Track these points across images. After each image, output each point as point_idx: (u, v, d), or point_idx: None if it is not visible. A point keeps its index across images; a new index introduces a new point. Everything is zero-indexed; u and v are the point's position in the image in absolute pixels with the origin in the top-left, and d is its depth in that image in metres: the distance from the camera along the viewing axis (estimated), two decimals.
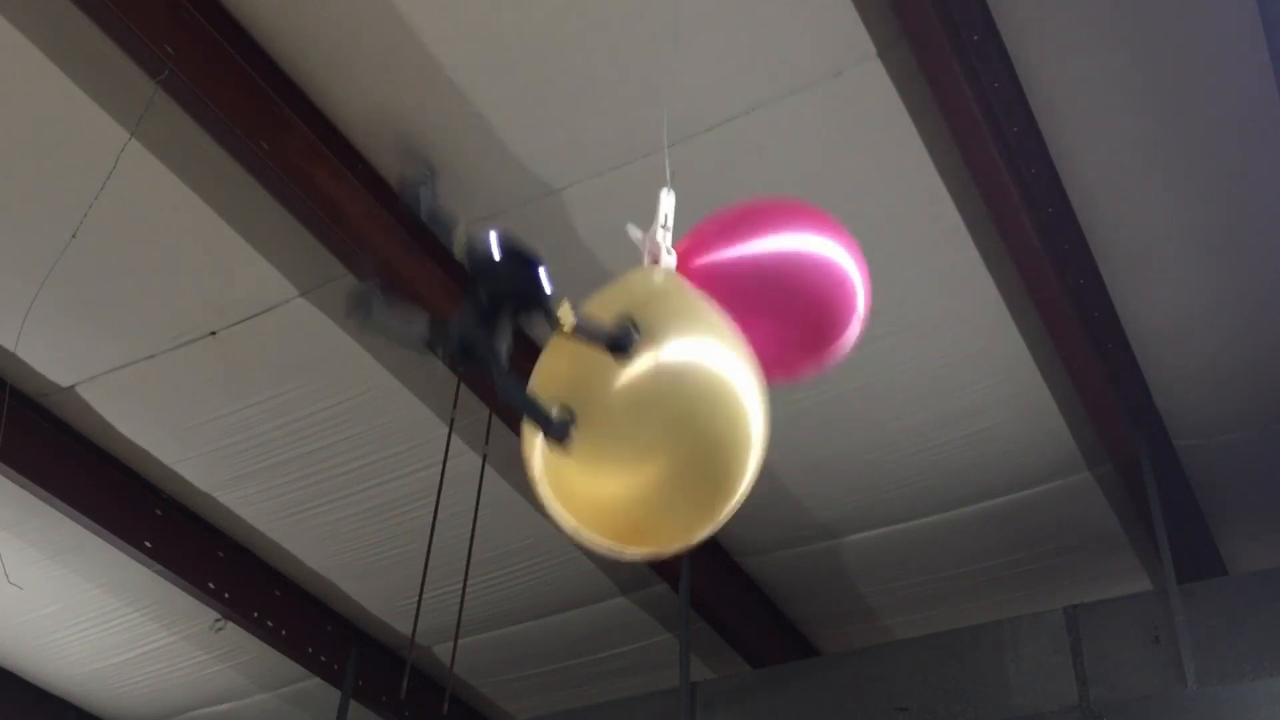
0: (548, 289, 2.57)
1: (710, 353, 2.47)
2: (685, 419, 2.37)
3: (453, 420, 5.64)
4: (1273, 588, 5.79)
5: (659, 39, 4.31)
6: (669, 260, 2.76)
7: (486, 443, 5.67)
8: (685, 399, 2.39)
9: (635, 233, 2.88)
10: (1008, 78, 4.60)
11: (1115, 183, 4.99)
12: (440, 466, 5.65)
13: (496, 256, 2.58)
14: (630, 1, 4.36)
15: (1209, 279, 5.36)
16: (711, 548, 6.70)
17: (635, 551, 2.57)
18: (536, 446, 2.43)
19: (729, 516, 2.49)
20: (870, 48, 4.45)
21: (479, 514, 5.60)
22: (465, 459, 5.77)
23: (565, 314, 2.58)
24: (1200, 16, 4.45)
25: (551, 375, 2.48)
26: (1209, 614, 5.79)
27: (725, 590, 6.87)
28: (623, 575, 6.84)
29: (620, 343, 2.57)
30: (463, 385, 5.58)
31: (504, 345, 2.60)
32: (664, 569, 6.62)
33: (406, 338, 2.74)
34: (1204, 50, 4.54)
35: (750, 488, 2.47)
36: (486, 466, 5.69)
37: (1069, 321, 5.31)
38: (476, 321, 2.63)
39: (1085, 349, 5.42)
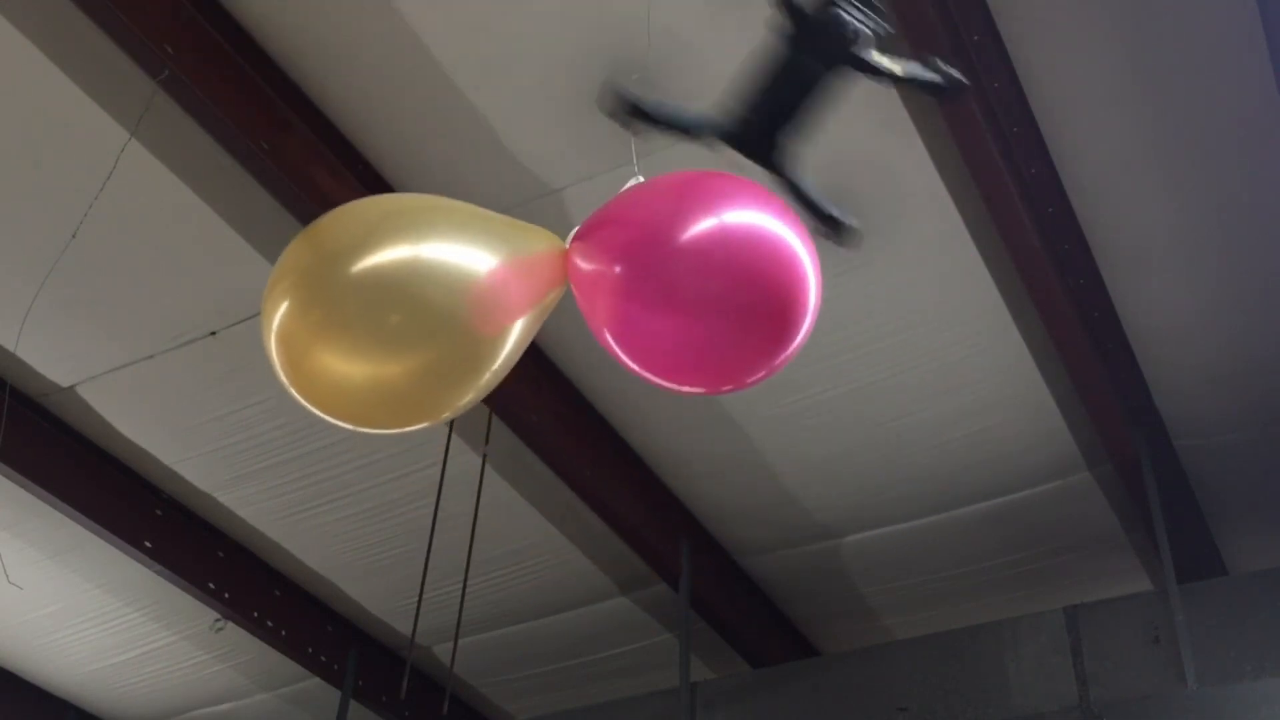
0: (877, 33, 2.60)
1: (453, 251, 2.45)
2: (427, 308, 2.37)
3: (453, 420, 5.64)
4: (1273, 588, 5.79)
5: (658, 39, 4.32)
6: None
7: (487, 442, 5.67)
8: (428, 287, 2.39)
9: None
10: (1008, 78, 4.60)
11: (1115, 183, 4.99)
12: (440, 466, 5.64)
13: (840, 19, 2.61)
14: (630, 2, 4.36)
15: (1209, 279, 5.36)
16: (711, 548, 6.71)
17: (375, 429, 2.61)
18: (273, 331, 2.43)
19: (484, 392, 2.50)
20: None
21: (479, 514, 5.60)
22: (465, 459, 5.76)
23: (886, 63, 2.61)
24: (1200, 17, 4.45)
25: (292, 266, 2.47)
26: (1209, 614, 5.79)
27: (725, 590, 6.87)
28: (623, 575, 6.84)
29: (947, 80, 2.69)
30: None
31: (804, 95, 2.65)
32: (664, 569, 6.62)
33: (686, 131, 2.89)
34: (1204, 50, 4.54)
35: (505, 368, 2.50)
36: (486, 466, 5.69)
37: (1069, 321, 5.31)
38: (770, 103, 2.73)
39: (1085, 349, 5.42)
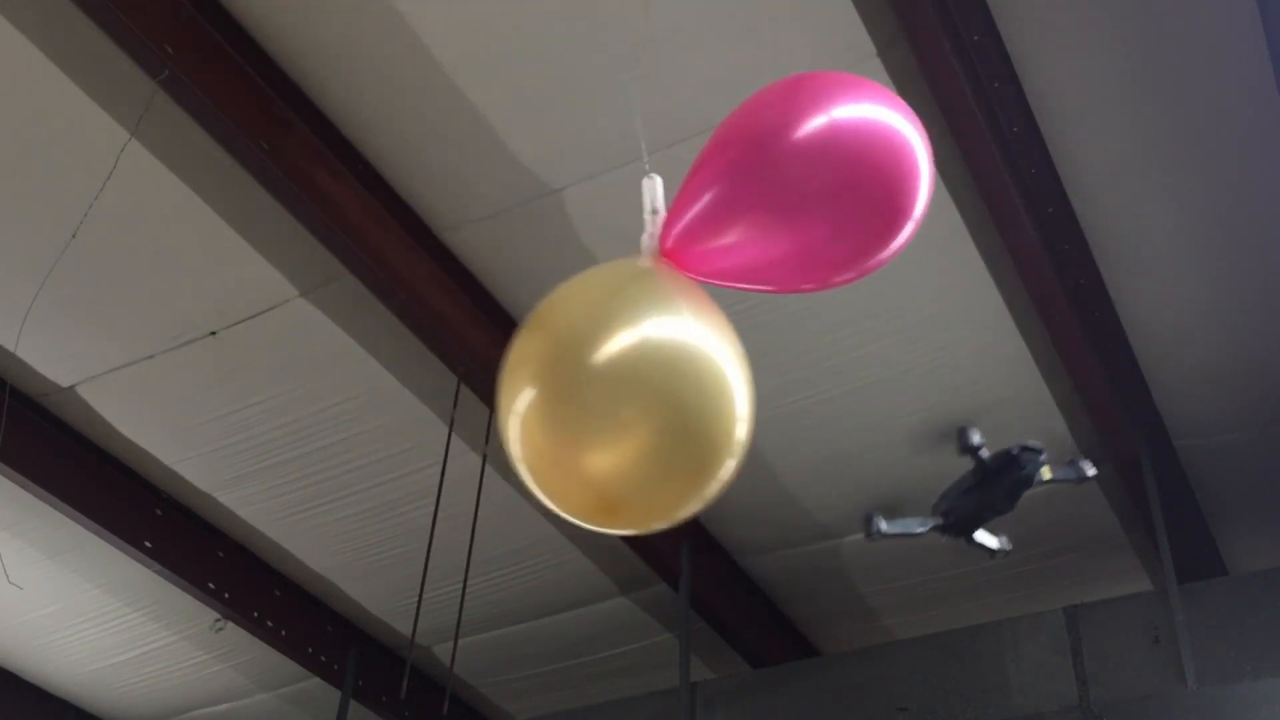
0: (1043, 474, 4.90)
1: (688, 329, 2.34)
2: (665, 392, 2.28)
3: (453, 420, 5.64)
4: (1273, 588, 5.79)
5: (660, 39, 4.32)
6: (650, 245, 2.66)
7: (487, 442, 5.67)
8: (664, 373, 2.30)
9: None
10: (1008, 78, 4.59)
11: (1115, 183, 4.99)
12: (440, 466, 5.65)
13: (1020, 461, 4.84)
14: (631, 2, 4.36)
15: (1209, 279, 5.36)
16: (711, 548, 6.70)
17: (620, 529, 2.52)
18: (512, 428, 2.32)
19: (715, 495, 2.44)
20: (870, 47, 4.45)
21: (479, 514, 5.60)
22: (465, 459, 5.77)
23: (1046, 473, 4.76)
24: (1201, 17, 4.45)
25: (526, 356, 2.36)
26: (1209, 614, 5.79)
27: (725, 590, 6.87)
28: (623, 575, 6.84)
29: (1080, 477, 4.88)
30: (463, 386, 5.58)
31: (991, 515, 5.05)
32: (664, 569, 6.62)
33: (915, 534, 5.14)
34: (1205, 50, 4.54)
35: (737, 467, 2.42)
36: (487, 466, 5.69)
37: (1069, 321, 5.31)
38: (972, 505, 4.97)
39: (1085, 349, 5.42)
